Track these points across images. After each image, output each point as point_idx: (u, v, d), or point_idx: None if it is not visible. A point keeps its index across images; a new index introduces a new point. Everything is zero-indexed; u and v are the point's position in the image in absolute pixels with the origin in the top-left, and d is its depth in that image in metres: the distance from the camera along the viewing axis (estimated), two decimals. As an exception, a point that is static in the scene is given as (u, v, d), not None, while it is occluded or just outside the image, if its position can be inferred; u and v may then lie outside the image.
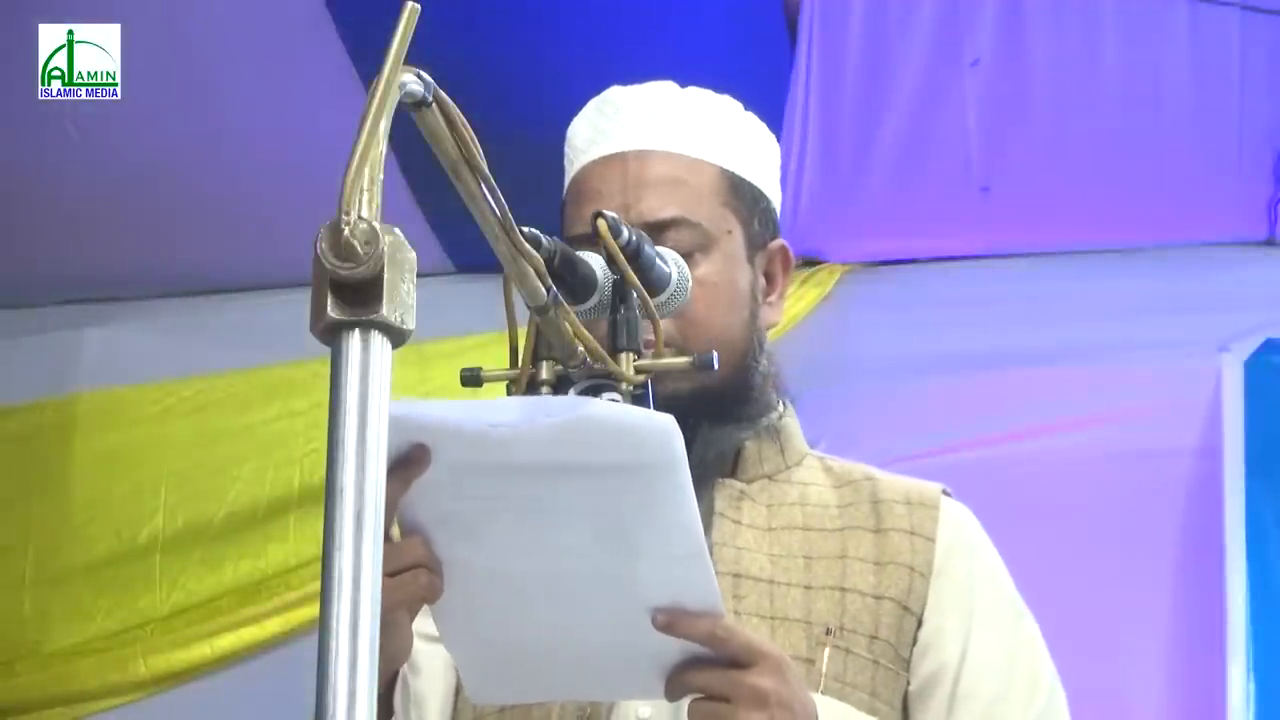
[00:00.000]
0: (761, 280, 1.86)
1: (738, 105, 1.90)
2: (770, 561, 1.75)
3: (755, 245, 1.85)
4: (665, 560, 1.44)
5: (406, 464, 1.36)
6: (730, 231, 1.82)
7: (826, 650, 1.71)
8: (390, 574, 1.42)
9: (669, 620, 1.47)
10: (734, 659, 1.50)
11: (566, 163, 1.88)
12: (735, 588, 1.73)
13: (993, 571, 1.83)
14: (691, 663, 1.50)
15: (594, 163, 1.83)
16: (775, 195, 1.90)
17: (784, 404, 1.88)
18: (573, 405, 1.36)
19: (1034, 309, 3.93)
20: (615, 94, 1.87)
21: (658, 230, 1.75)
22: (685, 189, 1.80)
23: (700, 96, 1.87)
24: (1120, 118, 3.61)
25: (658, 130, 1.82)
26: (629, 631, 1.47)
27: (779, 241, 1.88)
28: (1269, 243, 3.91)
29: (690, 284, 1.61)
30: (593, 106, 1.87)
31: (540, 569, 1.45)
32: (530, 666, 1.54)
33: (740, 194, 1.84)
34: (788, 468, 1.84)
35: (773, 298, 1.88)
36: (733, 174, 1.84)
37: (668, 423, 1.35)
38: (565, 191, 1.87)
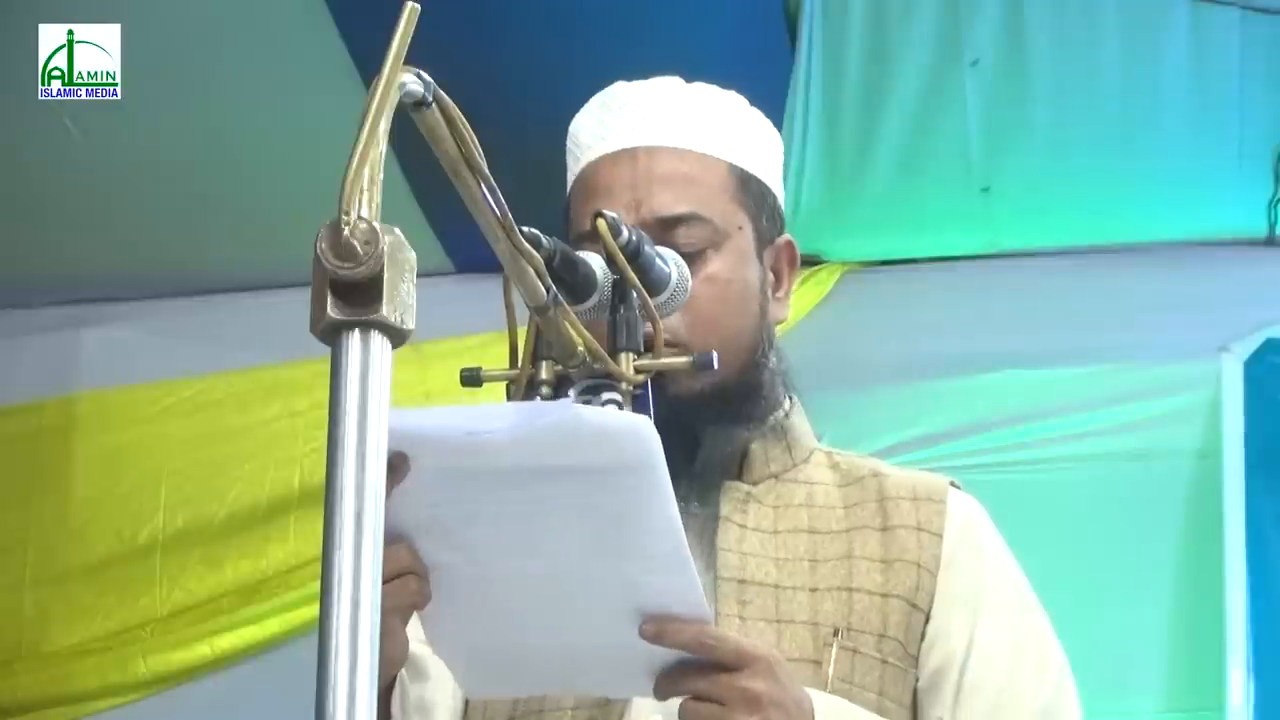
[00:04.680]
0: (770, 276, 1.85)
1: (743, 100, 1.89)
2: (775, 566, 1.75)
3: (764, 241, 1.84)
4: (647, 561, 1.43)
5: (386, 472, 1.35)
6: (741, 228, 1.81)
7: (833, 651, 1.70)
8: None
9: (657, 630, 1.46)
10: (724, 664, 1.49)
11: (570, 159, 1.86)
12: (740, 593, 1.72)
13: (1000, 563, 1.82)
14: (682, 663, 1.49)
15: (602, 159, 1.81)
16: (780, 190, 1.89)
17: (790, 400, 1.87)
18: (558, 410, 1.35)
19: (1034, 309, 3.93)
20: (621, 90, 1.85)
21: (670, 226, 1.75)
22: (697, 185, 1.79)
23: (706, 92, 1.86)
24: (1120, 118, 3.61)
25: (667, 126, 1.81)
26: (615, 632, 1.46)
27: (786, 237, 1.88)
28: (1269, 242, 3.91)
29: (690, 284, 1.60)
30: (597, 103, 1.86)
31: (525, 572, 1.44)
32: (519, 666, 1.54)
33: (749, 190, 1.83)
34: (795, 465, 1.83)
35: (780, 294, 1.87)
36: (742, 170, 1.82)
37: (643, 424, 1.33)
38: (570, 188, 1.85)
